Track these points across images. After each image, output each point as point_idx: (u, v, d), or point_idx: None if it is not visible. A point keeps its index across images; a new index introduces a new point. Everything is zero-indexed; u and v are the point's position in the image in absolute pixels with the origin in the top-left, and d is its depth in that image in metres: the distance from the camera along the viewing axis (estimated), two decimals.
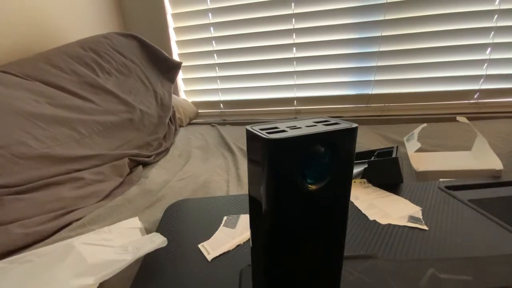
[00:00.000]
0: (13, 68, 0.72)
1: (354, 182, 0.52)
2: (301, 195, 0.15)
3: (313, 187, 0.15)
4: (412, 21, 0.99)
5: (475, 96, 1.01)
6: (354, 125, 0.16)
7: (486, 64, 0.97)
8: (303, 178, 0.15)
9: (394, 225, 0.39)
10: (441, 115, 1.01)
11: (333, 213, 0.17)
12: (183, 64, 1.12)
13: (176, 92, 1.27)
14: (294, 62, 1.13)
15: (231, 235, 0.40)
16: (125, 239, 0.43)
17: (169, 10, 1.20)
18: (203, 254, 0.36)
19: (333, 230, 0.17)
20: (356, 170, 0.52)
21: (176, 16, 1.21)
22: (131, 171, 0.74)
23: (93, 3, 1.12)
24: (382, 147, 0.68)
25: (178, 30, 1.23)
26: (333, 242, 0.17)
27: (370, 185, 0.51)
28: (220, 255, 0.36)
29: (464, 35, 0.96)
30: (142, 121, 0.87)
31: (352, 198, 0.47)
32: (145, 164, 0.79)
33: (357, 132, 0.16)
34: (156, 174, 0.72)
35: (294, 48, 1.11)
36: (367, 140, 0.86)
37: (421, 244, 0.35)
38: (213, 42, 1.19)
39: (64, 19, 0.99)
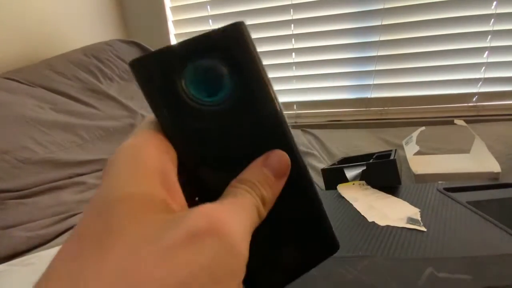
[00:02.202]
0: (17, 74, 0.73)
1: (353, 184, 0.52)
2: (205, 117, 0.13)
3: (212, 104, 0.13)
4: (410, 26, 1.00)
5: (474, 99, 1.02)
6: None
7: (484, 68, 0.98)
8: (194, 93, 0.13)
9: (393, 227, 0.40)
10: (440, 118, 1.01)
11: (264, 135, 0.14)
12: None
13: None
14: (294, 67, 1.15)
15: None
16: None
17: (170, 17, 1.22)
18: None
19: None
20: (355, 172, 0.53)
21: (177, 22, 1.23)
22: None
23: (96, 11, 1.14)
24: (381, 150, 0.69)
25: (179, 36, 1.25)
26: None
27: (369, 187, 0.52)
28: None
29: (461, 39, 0.97)
30: None
31: (351, 200, 0.47)
32: None
33: (247, 30, 0.14)
34: None
35: (294, 53, 1.13)
36: (366, 143, 0.87)
37: (420, 245, 0.35)
38: None
39: (67, 27, 1.01)
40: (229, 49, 0.13)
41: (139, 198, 0.11)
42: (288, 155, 0.15)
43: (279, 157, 0.14)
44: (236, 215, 0.12)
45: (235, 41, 0.14)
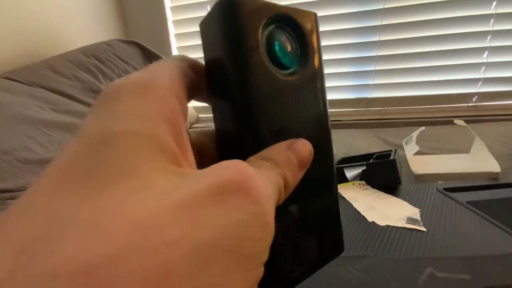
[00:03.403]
0: (17, 74, 0.73)
1: (353, 184, 0.52)
2: (277, 82, 0.13)
3: (288, 73, 0.14)
4: (410, 26, 1.00)
5: (473, 99, 1.02)
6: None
7: (483, 68, 0.98)
8: (272, 58, 0.13)
9: (393, 227, 0.40)
10: (440, 118, 1.01)
11: (313, 107, 0.15)
12: None
13: None
14: None
15: None
16: None
17: (170, 17, 1.22)
18: None
19: (315, 130, 0.15)
20: (355, 172, 0.53)
21: (177, 22, 1.23)
22: None
23: (96, 11, 1.14)
24: (381, 150, 0.69)
25: (179, 36, 1.25)
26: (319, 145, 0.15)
27: (369, 187, 0.52)
28: None
29: (461, 39, 0.97)
30: None
31: (351, 200, 0.47)
32: None
33: (318, 20, 0.16)
34: None
35: None
36: (366, 143, 0.87)
37: (420, 245, 0.35)
38: None
39: (67, 27, 1.01)
40: (301, 24, 0.15)
41: (148, 140, 0.09)
42: (325, 148, 0.16)
43: (305, 145, 0.14)
44: (263, 180, 0.10)
45: (311, 21, 0.15)
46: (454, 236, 0.37)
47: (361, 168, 0.53)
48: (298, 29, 0.14)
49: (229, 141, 0.14)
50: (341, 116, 1.15)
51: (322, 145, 0.15)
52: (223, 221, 0.08)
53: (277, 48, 0.13)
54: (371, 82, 1.09)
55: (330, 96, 1.15)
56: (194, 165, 0.12)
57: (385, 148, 0.79)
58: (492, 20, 0.93)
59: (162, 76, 0.11)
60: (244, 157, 0.12)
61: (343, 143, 0.88)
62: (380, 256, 0.33)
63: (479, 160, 0.62)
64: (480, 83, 0.99)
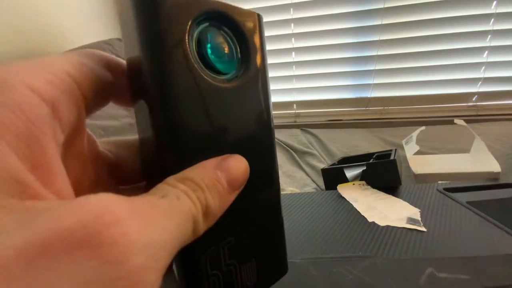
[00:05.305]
0: None
1: (353, 184, 0.52)
2: (207, 91, 0.11)
3: (224, 79, 0.12)
4: (410, 26, 1.00)
5: (473, 99, 1.02)
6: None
7: (483, 67, 0.98)
8: (206, 64, 0.12)
9: (393, 227, 0.40)
10: (440, 117, 1.01)
11: (254, 120, 0.13)
12: None
13: None
14: (294, 66, 1.14)
15: None
16: None
17: None
18: None
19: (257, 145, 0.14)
20: (355, 172, 0.53)
21: None
22: None
23: (95, 10, 1.13)
24: (381, 150, 0.69)
25: None
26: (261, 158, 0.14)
27: (369, 187, 0.52)
28: None
29: (461, 38, 0.97)
30: None
31: (351, 200, 0.47)
32: None
33: (262, 21, 0.14)
34: None
35: (293, 53, 1.13)
36: (366, 143, 0.87)
37: (420, 245, 0.35)
38: None
39: (66, 26, 1.01)
40: (241, 24, 0.13)
41: None
42: (269, 165, 0.14)
43: (239, 163, 0.11)
44: (154, 222, 0.08)
45: (253, 21, 0.13)
46: (455, 236, 0.37)
47: (361, 168, 0.52)
48: (237, 30, 0.13)
49: (151, 156, 0.12)
50: (341, 116, 1.15)
51: (264, 160, 0.14)
52: None
53: (208, 50, 0.12)
54: (371, 82, 1.09)
55: (330, 95, 1.15)
56: (68, 192, 0.09)
57: (385, 148, 0.79)
58: (492, 20, 0.93)
59: (26, 72, 0.08)
60: (165, 176, 0.11)
61: (343, 143, 0.88)
62: (380, 256, 0.33)
63: (479, 160, 0.62)
64: (480, 83, 0.99)
